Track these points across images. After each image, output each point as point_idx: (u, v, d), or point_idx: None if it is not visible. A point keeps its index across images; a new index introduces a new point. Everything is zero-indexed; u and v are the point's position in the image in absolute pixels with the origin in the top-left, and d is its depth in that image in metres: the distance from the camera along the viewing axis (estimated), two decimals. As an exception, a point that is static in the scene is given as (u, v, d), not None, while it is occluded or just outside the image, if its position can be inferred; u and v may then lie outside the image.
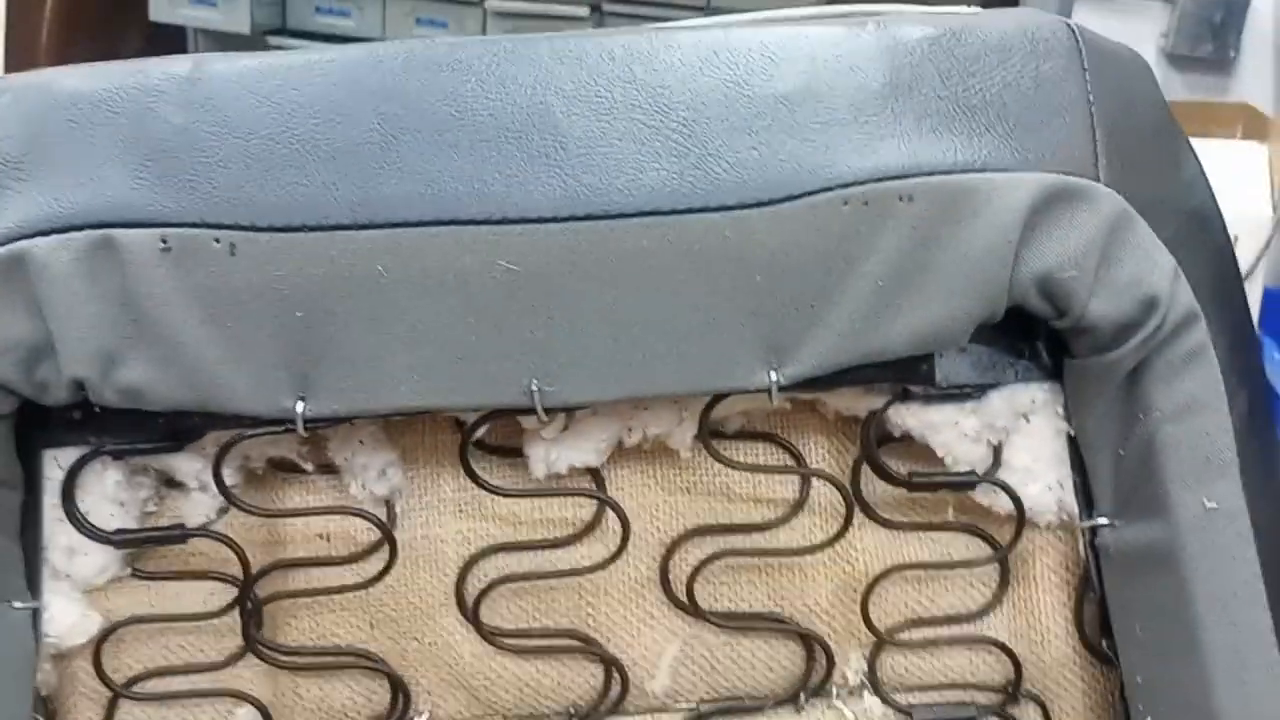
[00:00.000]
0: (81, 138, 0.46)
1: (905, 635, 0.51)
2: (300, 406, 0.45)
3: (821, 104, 0.46)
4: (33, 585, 0.48)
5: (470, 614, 0.50)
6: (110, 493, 0.49)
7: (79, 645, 0.49)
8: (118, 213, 0.45)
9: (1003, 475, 0.50)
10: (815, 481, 0.51)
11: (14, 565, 0.48)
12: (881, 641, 0.51)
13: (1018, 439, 0.50)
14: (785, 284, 0.45)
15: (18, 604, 0.47)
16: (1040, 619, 0.51)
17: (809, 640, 0.51)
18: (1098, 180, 0.46)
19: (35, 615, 0.48)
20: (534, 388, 0.46)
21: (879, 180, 0.45)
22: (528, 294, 0.45)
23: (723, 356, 0.46)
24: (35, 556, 0.48)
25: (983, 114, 0.47)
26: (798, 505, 0.51)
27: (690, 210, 0.45)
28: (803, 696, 0.51)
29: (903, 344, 0.46)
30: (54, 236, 0.45)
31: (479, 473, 0.50)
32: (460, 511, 0.51)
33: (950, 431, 0.49)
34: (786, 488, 0.51)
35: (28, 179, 0.46)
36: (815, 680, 0.51)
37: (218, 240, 0.44)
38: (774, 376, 0.46)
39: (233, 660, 0.50)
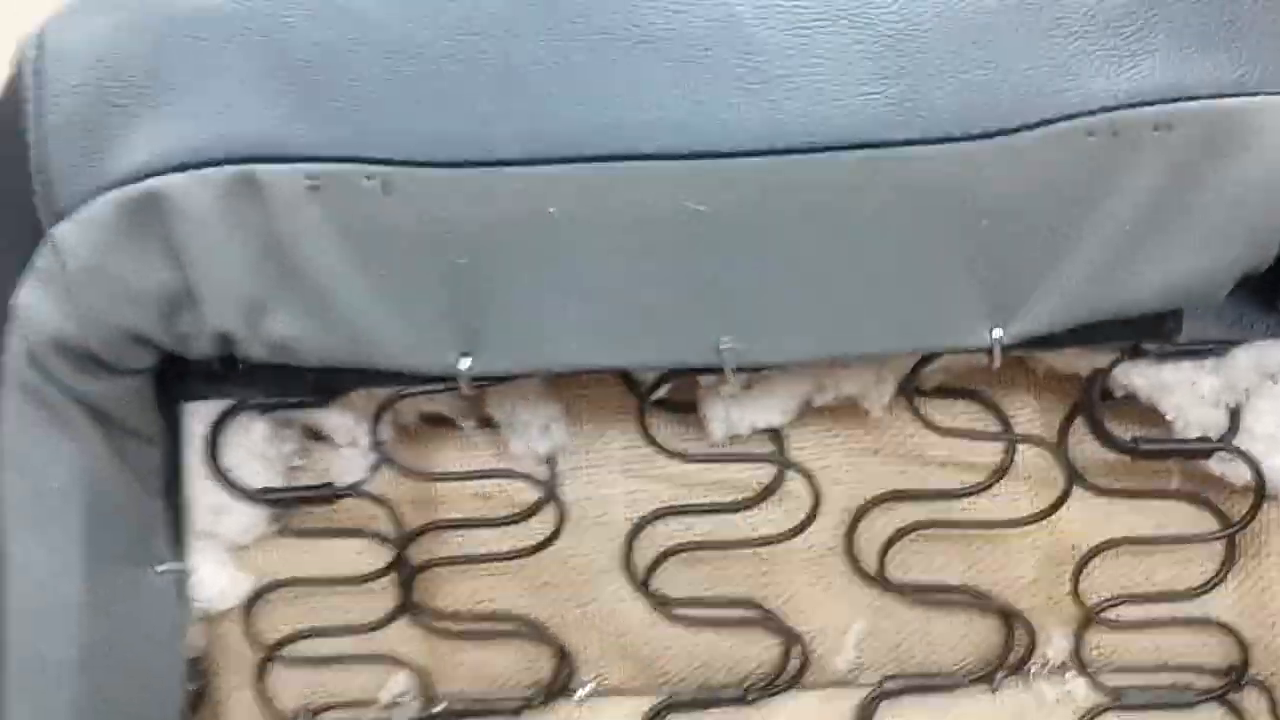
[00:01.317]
0: (211, 58, 0.38)
1: (1116, 613, 0.44)
2: (465, 364, 0.39)
3: (1058, 14, 0.37)
4: (179, 547, 0.43)
5: (640, 581, 0.44)
6: (256, 448, 0.43)
7: (228, 608, 0.44)
8: (259, 146, 0.37)
9: (1241, 442, 0.42)
10: (1020, 445, 0.44)
11: (159, 526, 0.42)
12: (1090, 619, 0.44)
13: (1261, 402, 0.42)
14: (1016, 228, 0.37)
15: (164, 567, 0.42)
16: (1272, 599, 0.44)
17: (1008, 616, 0.44)
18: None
19: (182, 578, 0.43)
20: (724, 345, 0.38)
21: (1129, 106, 0.36)
22: (719, 239, 0.37)
23: (940, 311, 0.38)
24: (180, 517, 0.43)
25: (1253, 24, 0.37)
26: (1000, 471, 0.43)
27: (906, 142, 0.37)
28: (999, 676, 0.45)
29: (1149, 298, 0.38)
30: (190, 173, 0.37)
31: (649, 429, 0.43)
32: (628, 471, 0.44)
33: (1185, 393, 0.41)
34: (987, 451, 0.44)
35: (156, 107, 0.38)
36: (1013, 659, 0.45)
37: (369, 177, 0.37)
38: (998, 334, 0.38)
39: (387, 623, 0.45)
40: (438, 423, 0.44)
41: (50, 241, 0.38)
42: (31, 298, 0.38)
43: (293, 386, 0.41)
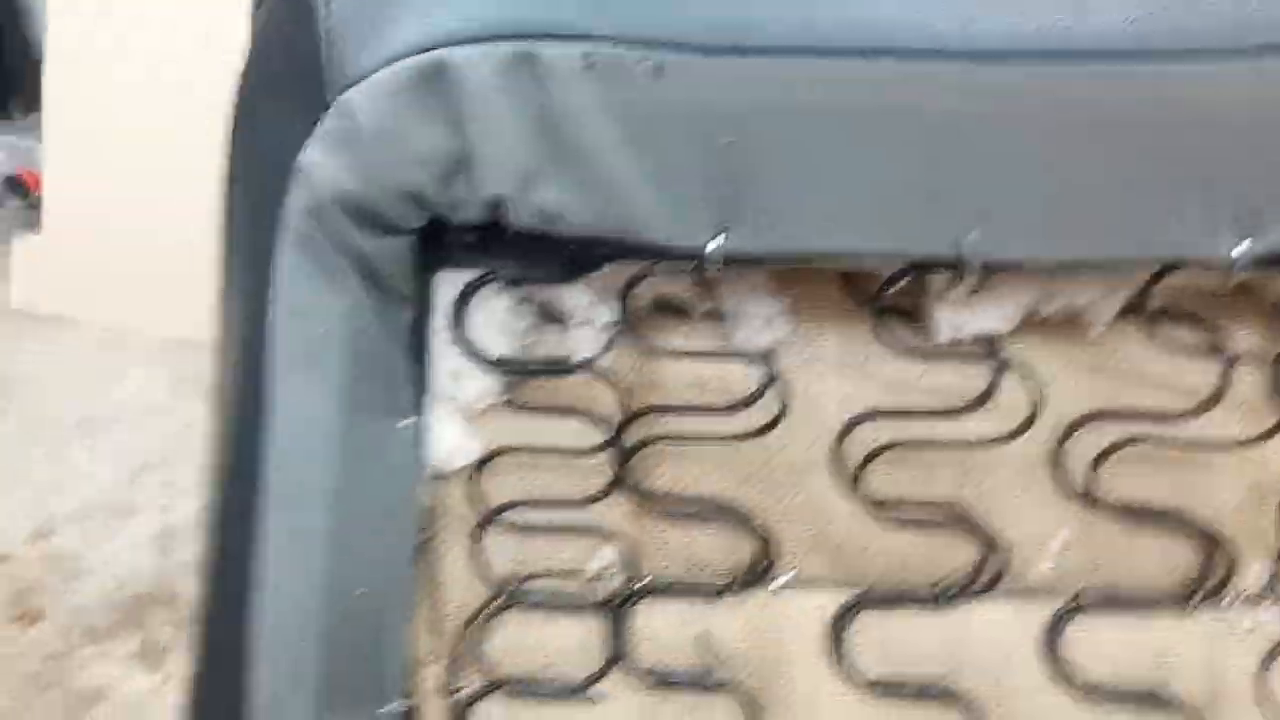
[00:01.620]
0: None
1: (1321, 547, 0.45)
2: (718, 242, 0.41)
3: None
4: (419, 405, 0.46)
5: (849, 478, 0.46)
6: (497, 320, 0.45)
7: (455, 469, 0.47)
8: (539, 25, 0.40)
9: None
10: (1238, 372, 0.44)
11: (406, 383, 0.45)
12: (1292, 551, 0.45)
13: None
14: (1263, 145, 0.38)
15: (407, 421, 0.45)
16: None
17: (1210, 541, 0.45)
18: None
19: (421, 433, 0.46)
20: (967, 240, 0.40)
21: None
22: (969, 138, 0.39)
23: (1182, 222, 0.39)
24: (422, 377, 0.46)
25: None
26: (1215, 396, 0.44)
27: (1157, 56, 0.38)
28: (1195, 599, 0.45)
29: (1396, 224, 0.39)
30: (474, 46, 0.40)
31: (871, 329, 0.44)
32: (844, 371, 0.45)
33: None
34: (1205, 375, 0.44)
35: (444, -16, 0.42)
36: (1210, 584, 0.45)
37: (644, 60, 0.39)
38: (1242, 248, 0.39)
39: (600, 498, 0.47)
40: (666, 310, 0.46)
41: (340, 106, 0.41)
42: (319, 156, 0.41)
43: (543, 261, 0.44)
